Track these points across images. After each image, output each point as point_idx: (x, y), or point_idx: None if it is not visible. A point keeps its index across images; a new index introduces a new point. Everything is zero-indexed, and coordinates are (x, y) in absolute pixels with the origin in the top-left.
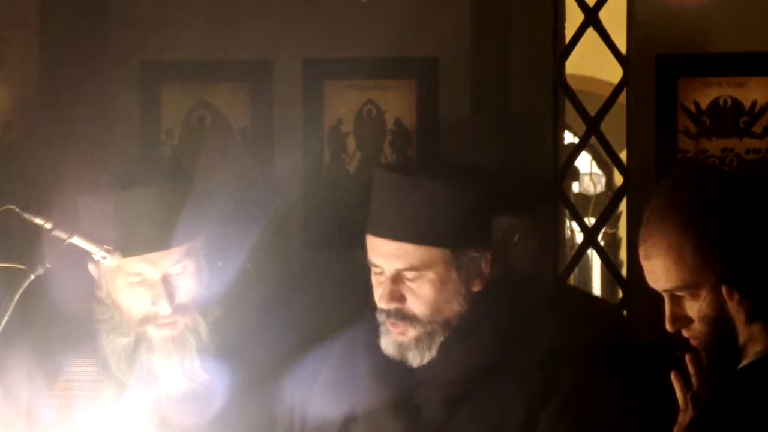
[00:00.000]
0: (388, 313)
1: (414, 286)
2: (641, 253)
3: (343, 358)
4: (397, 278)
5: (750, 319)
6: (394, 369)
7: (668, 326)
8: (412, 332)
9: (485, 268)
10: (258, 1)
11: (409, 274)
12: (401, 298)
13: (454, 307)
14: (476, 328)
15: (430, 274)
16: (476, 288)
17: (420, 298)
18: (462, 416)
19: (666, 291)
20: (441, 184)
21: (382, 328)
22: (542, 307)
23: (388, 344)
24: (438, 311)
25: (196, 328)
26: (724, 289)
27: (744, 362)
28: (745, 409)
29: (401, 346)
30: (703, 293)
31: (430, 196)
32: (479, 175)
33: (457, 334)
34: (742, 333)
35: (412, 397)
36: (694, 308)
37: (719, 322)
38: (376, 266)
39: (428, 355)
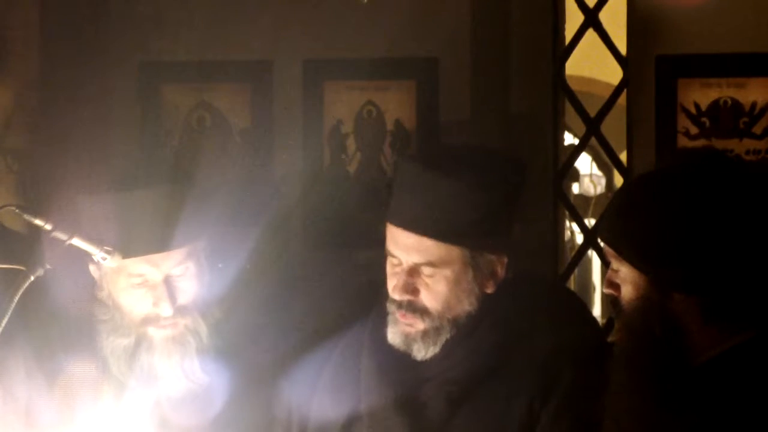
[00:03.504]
0: (400, 305)
1: (429, 282)
2: None
3: (347, 357)
4: (413, 271)
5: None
6: (398, 367)
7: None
8: (420, 325)
9: (500, 270)
10: (258, 2)
11: (426, 269)
12: (415, 291)
13: (465, 306)
14: (478, 327)
15: (447, 272)
16: (489, 290)
17: (434, 293)
18: (464, 415)
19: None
20: (468, 184)
21: (390, 318)
22: (542, 306)
23: (395, 334)
24: (449, 308)
25: (196, 330)
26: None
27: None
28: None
29: (408, 337)
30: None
31: (456, 194)
32: (505, 176)
33: (460, 332)
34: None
35: (416, 395)
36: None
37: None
38: (393, 257)
39: (432, 350)
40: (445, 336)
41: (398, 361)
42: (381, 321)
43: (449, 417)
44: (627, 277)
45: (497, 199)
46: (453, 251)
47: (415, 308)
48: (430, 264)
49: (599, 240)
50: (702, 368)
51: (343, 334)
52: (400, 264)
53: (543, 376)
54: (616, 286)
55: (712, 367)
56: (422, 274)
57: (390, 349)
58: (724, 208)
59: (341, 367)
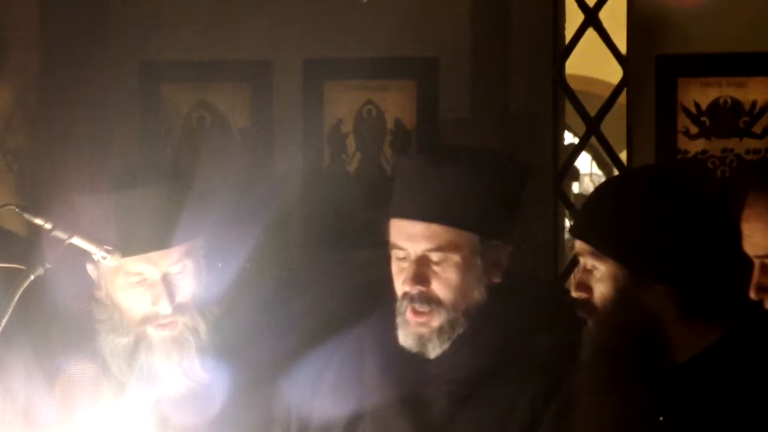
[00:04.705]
0: (412, 298)
1: (439, 270)
2: (743, 215)
3: (350, 357)
4: (422, 261)
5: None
6: (402, 366)
7: (753, 294)
8: (436, 320)
9: (505, 259)
10: (258, 1)
11: (434, 257)
12: (426, 281)
13: (476, 295)
14: (482, 327)
15: (456, 257)
16: (496, 279)
17: (444, 281)
18: (467, 414)
19: (758, 257)
20: (471, 168)
21: (399, 320)
22: (545, 306)
23: (407, 336)
24: (462, 297)
25: (195, 328)
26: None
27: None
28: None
29: (421, 338)
30: None
31: (460, 179)
32: (508, 164)
33: (467, 329)
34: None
35: (419, 394)
36: None
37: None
38: (400, 249)
39: (445, 346)
40: (458, 330)
41: (402, 360)
42: (386, 321)
43: (452, 416)
44: (605, 274)
45: (502, 187)
46: (461, 236)
47: (429, 299)
48: (439, 249)
49: (575, 240)
50: (682, 368)
51: (342, 334)
52: (407, 257)
53: (546, 376)
54: (587, 288)
55: (692, 367)
56: (431, 262)
57: (395, 348)
58: (704, 202)
59: (344, 367)
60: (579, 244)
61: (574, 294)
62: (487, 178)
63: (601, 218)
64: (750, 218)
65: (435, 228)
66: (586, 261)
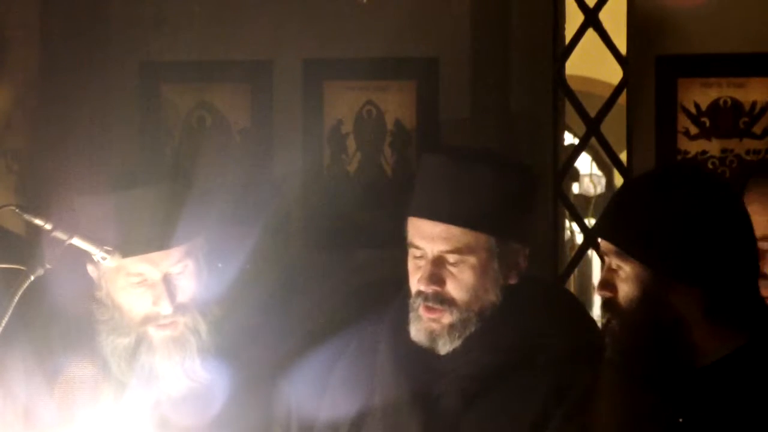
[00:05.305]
0: (426, 297)
1: (455, 271)
2: (746, 198)
3: (361, 354)
4: (438, 261)
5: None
6: (415, 362)
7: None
8: (447, 318)
9: (522, 262)
10: (258, 1)
11: (451, 258)
12: (441, 282)
13: (491, 297)
14: (496, 324)
15: (472, 260)
16: (512, 281)
17: (460, 282)
18: (477, 410)
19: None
20: (494, 170)
21: (412, 315)
22: (556, 306)
23: (418, 331)
24: (476, 299)
25: (196, 328)
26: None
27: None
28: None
29: (432, 334)
30: None
31: (481, 181)
32: (525, 168)
33: (483, 327)
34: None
35: (430, 390)
36: None
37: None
38: (417, 248)
39: (456, 343)
40: (470, 329)
41: (415, 356)
42: (400, 317)
43: (463, 412)
44: (630, 274)
45: (520, 190)
46: (479, 239)
47: (442, 299)
48: (457, 251)
49: (600, 239)
50: (705, 370)
51: (343, 334)
52: (424, 256)
53: (559, 376)
54: (612, 287)
55: (715, 370)
56: (447, 263)
57: (408, 345)
58: (729, 203)
59: (355, 364)
60: (604, 244)
61: (597, 293)
62: (508, 182)
63: (625, 218)
64: (752, 201)
65: (454, 230)
66: (611, 260)
